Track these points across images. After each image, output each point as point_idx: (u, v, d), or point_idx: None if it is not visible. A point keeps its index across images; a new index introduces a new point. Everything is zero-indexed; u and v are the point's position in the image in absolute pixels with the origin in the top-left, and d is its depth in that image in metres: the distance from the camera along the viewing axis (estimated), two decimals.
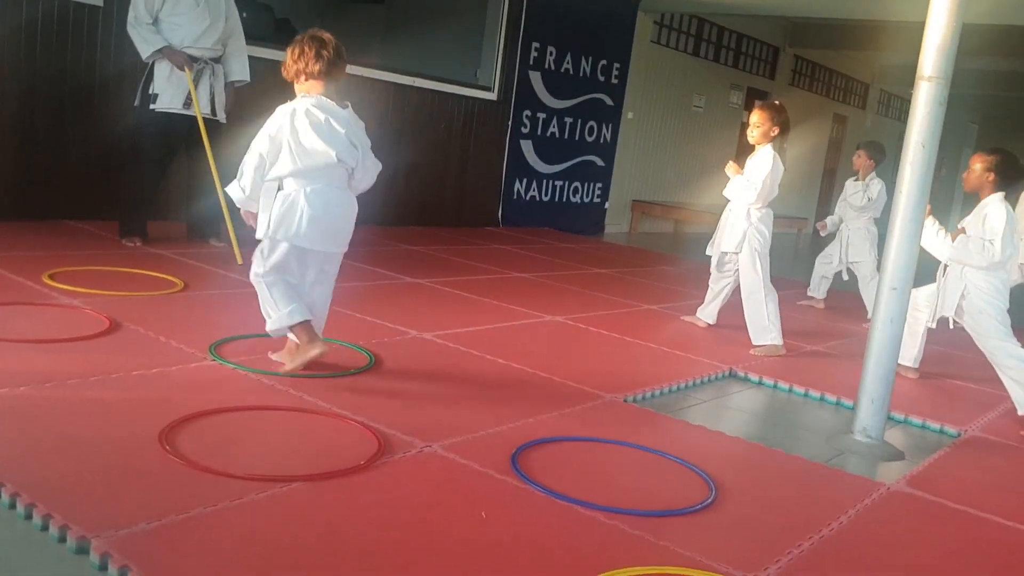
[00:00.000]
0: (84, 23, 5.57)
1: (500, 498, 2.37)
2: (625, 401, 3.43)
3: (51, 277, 4.06)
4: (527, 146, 9.03)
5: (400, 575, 1.92)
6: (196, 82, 5.14)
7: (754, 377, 4.08)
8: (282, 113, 3.10)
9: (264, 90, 6.38)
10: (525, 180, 9.13)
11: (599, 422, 3.13)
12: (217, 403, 2.77)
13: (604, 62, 9.61)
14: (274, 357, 3.31)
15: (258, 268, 3.16)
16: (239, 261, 4.99)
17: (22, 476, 2.10)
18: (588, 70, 9.47)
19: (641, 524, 2.29)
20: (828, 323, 5.71)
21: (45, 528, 1.93)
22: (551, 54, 9.00)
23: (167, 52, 5.04)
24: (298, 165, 3.05)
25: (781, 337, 4.50)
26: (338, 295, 4.49)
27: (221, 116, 5.34)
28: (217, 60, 5.31)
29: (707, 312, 4.96)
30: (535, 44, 8.79)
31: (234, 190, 3.14)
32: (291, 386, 3.05)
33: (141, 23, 5.03)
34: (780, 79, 13.03)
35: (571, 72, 9.28)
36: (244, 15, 5.58)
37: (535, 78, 8.91)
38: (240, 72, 5.43)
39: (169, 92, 5.11)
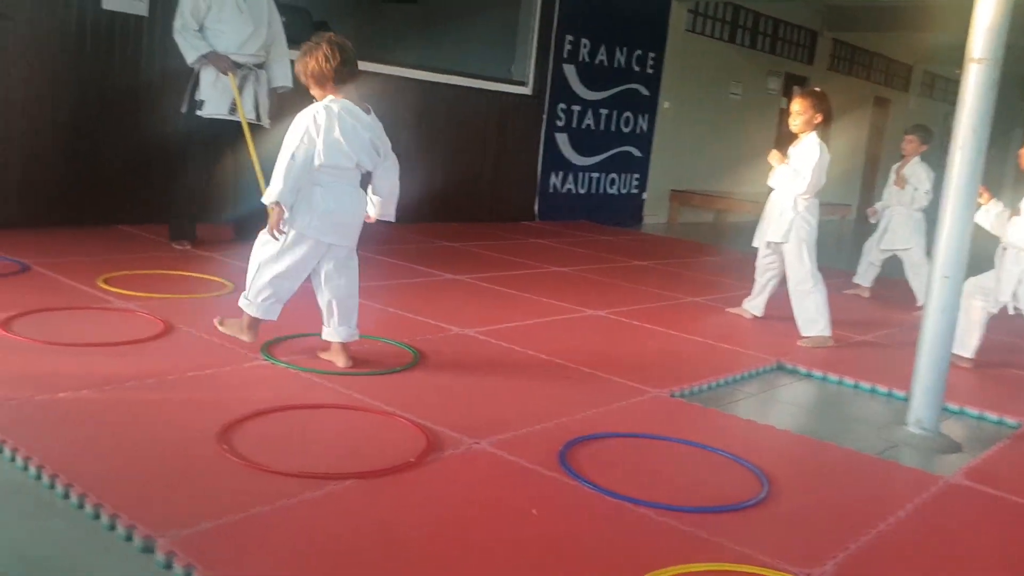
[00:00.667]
0: (130, 32, 5.67)
1: (549, 495, 2.39)
2: (672, 396, 3.43)
3: (105, 281, 4.16)
4: (562, 139, 9.03)
5: (454, 571, 1.95)
6: (240, 88, 5.22)
7: (802, 369, 4.05)
8: (313, 113, 3.15)
9: (304, 94, 6.47)
10: (561, 173, 9.12)
11: (646, 418, 3.14)
12: (270, 402, 2.82)
13: (639, 52, 9.57)
14: (323, 356, 3.36)
15: (264, 247, 3.28)
16: None
17: (88, 476, 2.17)
18: (623, 61, 9.43)
19: (693, 520, 2.30)
20: (876, 312, 5.65)
21: (112, 527, 1.99)
22: (585, 46, 8.98)
23: (211, 57, 5.12)
24: (322, 162, 3.15)
25: (830, 328, 4.46)
26: (380, 292, 4.57)
27: (265, 121, 5.42)
28: (260, 66, 5.39)
29: (754, 304, 4.94)
30: (569, 37, 8.77)
31: (274, 194, 3.15)
32: (340, 384, 3.10)
33: (188, 29, 5.12)
34: (819, 64, 12.88)
35: (605, 64, 9.26)
36: (283, 19, 5.64)
37: (569, 71, 8.89)
38: (283, 78, 5.50)
39: (215, 98, 5.19)
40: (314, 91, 3.24)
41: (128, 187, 5.84)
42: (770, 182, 4.62)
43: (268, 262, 3.26)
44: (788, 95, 12.35)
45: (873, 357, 4.45)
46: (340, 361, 3.31)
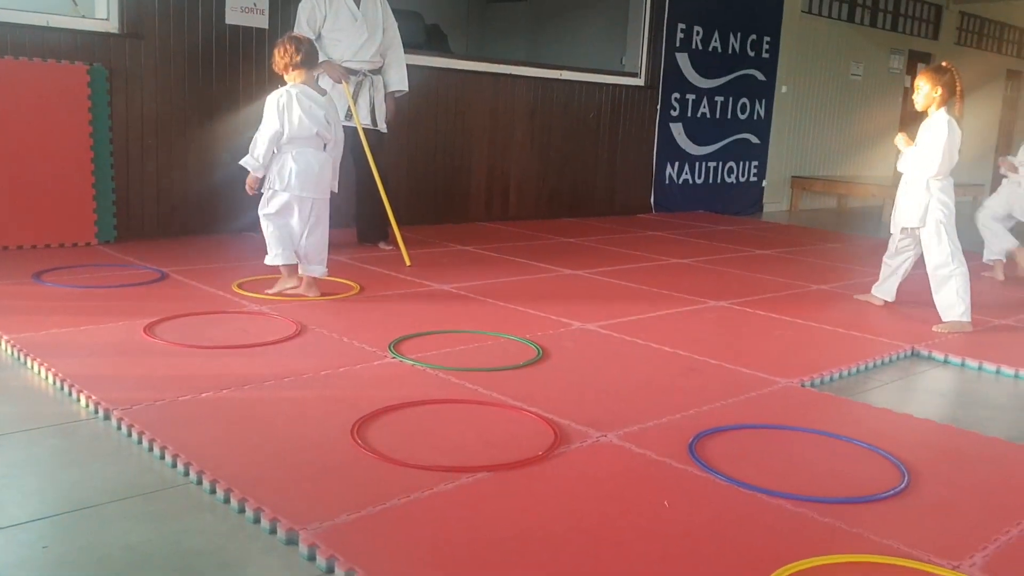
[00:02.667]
0: (252, 44, 5.90)
1: (681, 487, 2.36)
2: (802, 386, 3.33)
3: (239, 286, 4.35)
4: (677, 129, 8.90)
5: (588, 564, 1.95)
6: (355, 94, 5.35)
7: (939, 356, 3.88)
8: (279, 96, 4.04)
9: (421, 96, 6.61)
10: (677, 164, 9.00)
11: (776, 408, 3.06)
12: (400, 398, 2.89)
13: (753, 37, 9.34)
14: (296, 291, 4.21)
15: (263, 210, 4.16)
16: (407, 263, 5.17)
17: (232, 472, 2.26)
18: (737, 47, 9.23)
19: (831, 511, 2.23)
20: (1013, 293, 5.35)
21: (257, 521, 2.07)
22: (698, 34, 8.83)
23: (326, 66, 5.25)
24: (289, 133, 4.02)
25: (969, 313, 4.26)
26: (501, 289, 4.62)
27: (382, 126, 5.55)
28: (376, 72, 5.51)
29: (884, 289, 4.75)
30: (681, 25, 8.64)
31: (248, 162, 4.07)
32: (467, 380, 3.14)
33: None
34: (944, 39, 12.28)
35: (719, 50, 9.07)
36: (397, 24, 5.76)
37: (682, 59, 8.76)
38: (398, 82, 5.62)
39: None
40: (285, 77, 4.11)
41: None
42: (899, 166, 4.43)
43: (270, 218, 4.13)
44: (912, 73, 11.84)
45: (1014, 341, 4.21)
46: (311, 293, 4.19)
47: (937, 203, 4.29)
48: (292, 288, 4.21)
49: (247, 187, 4.15)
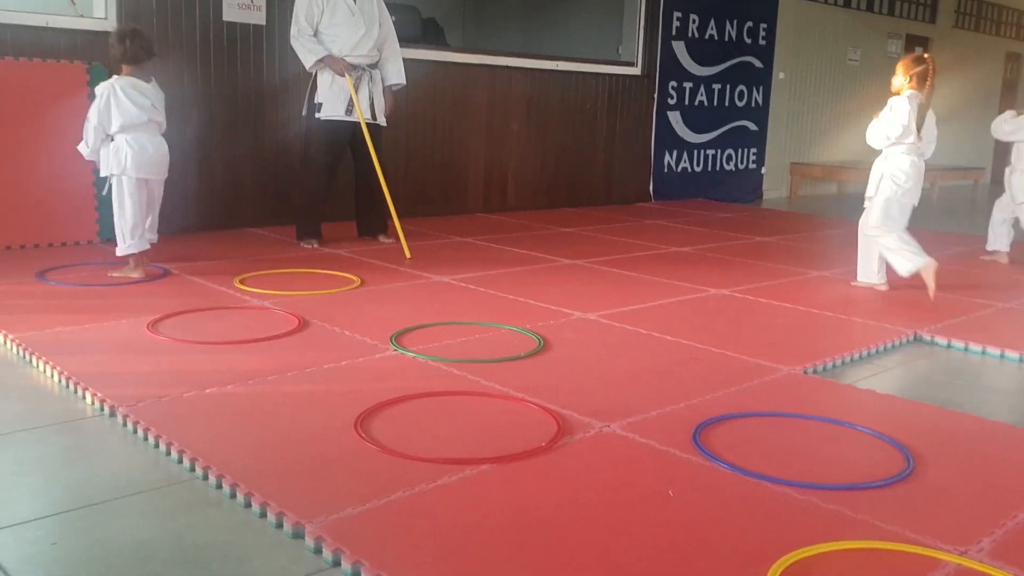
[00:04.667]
0: (250, 40, 5.89)
1: (685, 476, 2.37)
2: (805, 372, 3.34)
3: (241, 282, 4.35)
4: (675, 117, 8.89)
5: (595, 554, 1.96)
6: (356, 88, 5.33)
7: (942, 341, 3.88)
8: (106, 89, 4.29)
9: (418, 89, 6.60)
10: (675, 152, 8.99)
11: (780, 396, 3.07)
12: (403, 391, 2.90)
13: (750, 24, 9.32)
14: (114, 274, 4.40)
15: (119, 199, 4.39)
16: (407, 255, 5.18)
17: (238, 467, 2.28)
18: (733, 34, 9.21)
19: (835, 498, 2.24)
20: (1018, 276, 5.35)
21: (263, 515, 2.08)
22: (694, 22, 8.81)
23: (328, 60, 5.28)
24: (120, 122, 4.29)
25: (884, 275, 4.74)
26: (500, 280, 4.63)
27: (381, 120, 5.54)
28: (374, 66, 5.51)
29: (882, 273, 4.78)
30: (677, 13, 8.62)
31: (82, 148, 4.38)
32: (468, 371, 3.15)
33: (304, 35, 5.28)
34: (942, 22, 12.25)
35: (716, 38, 9.06)
36: (393, 18, 5.74)
37: (679, 48, 8.74)
38: (396, 76, 5.61)
39: (332, 100, 5.34)
40: (116, 69, 4.40)
41: (255, 190, 6.08)
42: (866, 137, 4.74)
43: (121, 209, 4.36)
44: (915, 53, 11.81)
45: (1017, 325, 4.22)
46: (117, 273, 4.43)
47: (889, 180, 4.58)
48: (136, 276, 4.43)
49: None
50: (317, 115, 5.36)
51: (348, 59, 5.34)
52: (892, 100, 4.59)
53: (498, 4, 10.26)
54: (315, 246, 5.49)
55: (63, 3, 5.99)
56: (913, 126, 4.50)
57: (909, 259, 4.51)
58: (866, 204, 4.80)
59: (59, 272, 4.47)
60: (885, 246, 4.61)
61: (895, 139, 4.53)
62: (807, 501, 2.22)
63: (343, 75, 5.28)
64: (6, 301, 3.88)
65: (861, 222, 4.81)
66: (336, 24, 5.33)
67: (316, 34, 5.32)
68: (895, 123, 4.51)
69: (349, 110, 5.35)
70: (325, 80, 5.35)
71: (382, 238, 5.73)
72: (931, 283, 4.46)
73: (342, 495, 2.15)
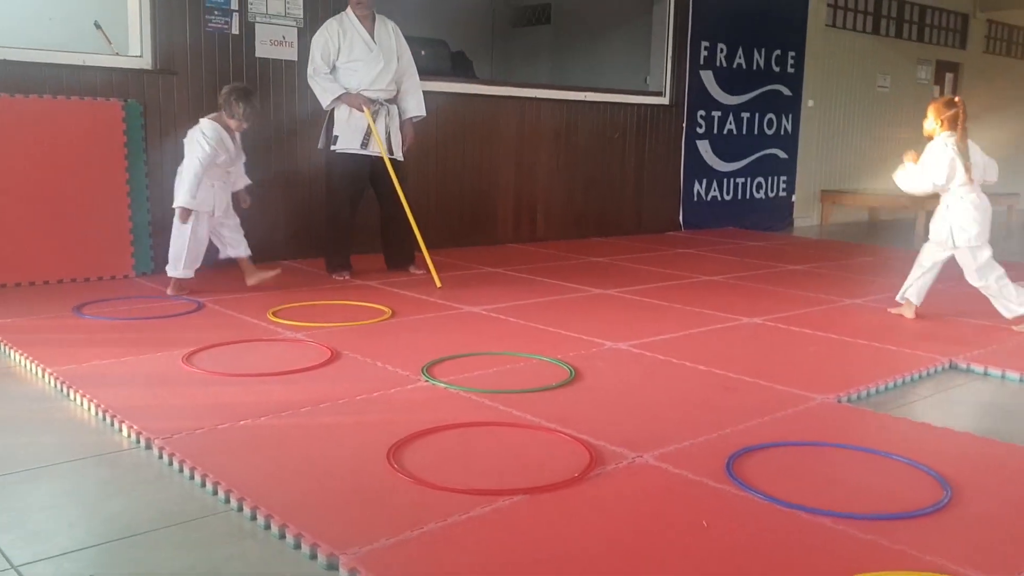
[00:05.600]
0: (282, 75, 6.00)
1: (719, 507, 2.35)
2: (839, 401, 3.31)
3: (274, 314, 4.40)
4: (704, 146, 8.90)
5: None
6: (374, 122, 5.36)
7: (978, 368, 3.83)
8: (202, 133, 4.75)
9: (448, 121, 6.68)
10: (705, 181, 8.98)
11: (814, 425, 3.04)
12: (435, 421, 2.90)
13: (778, 52, 9.33)
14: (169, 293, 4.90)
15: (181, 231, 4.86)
16: (438, 285, 5.21)
17: (273, 498, 2.29)
18: (761, 62, 9.22)
19: (872, 528, 2.21)
20: None
21: (298, 547, 2.09)
22: (721, 51, 8.84)
23: (346, 98, 5.32)
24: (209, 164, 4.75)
25: None
26: (531, 310, 4.65)
27: (398, 154, 5.53)
28: (392, 100, 5.51)
29: (913, 291, 4.74)
30: (704, 43, 8.66)
31: (185, 201, 4.74)
32: (500, 402, 3.15)
33: (319, 73, 5.34)
34: (972, 48, 12.18)
35: (744, 67, 9.08)
36: (423, 52, 5.83)
37: (707, 77, 8.77)
38: (416, 108, 5.59)
39: (348, 134, 5.37)
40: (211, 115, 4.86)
41: (287, 222, 6.15)
42: (894, 176, 4.61)
43: (179, 238, 4.83)
44: (941, 83, 11.75)
45: None
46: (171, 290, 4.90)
47: (960, 231, 4.43)
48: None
49: (180, 222, 4.85)
50: (333, 147, 5.40)
51: (366, 93, 5.37)
52: (931, 144, 4.50)
53: (525, 37, 10.37)
54: (347, 278, 5.52)
55: (99, 42, 6.15)
56: (959, 167, 4.40)
57: (1017, 304, 4.45)
58: (938, 243, 4.60)
59: (95, 306, 4.55)
60: (990, 293, 4.50)
61: (943, 185, 4.42)
62: (843, 531, 2.20)
63: (362, 110, 5.30)
64: (44, 335, 3.95)
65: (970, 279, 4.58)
66: (354, 60, 5.35)
67: (333, 70, 5.36)
68: (939, 167, 4.39)
69: (364, 143, 5.37)
70: (342, 114, 5.38)
71: (412, 269, 5.75)
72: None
73: (376, 526, 2.16)
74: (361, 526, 2.16)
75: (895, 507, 2.35)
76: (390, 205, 5.54)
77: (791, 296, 5.36)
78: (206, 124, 4.78)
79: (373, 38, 5.41)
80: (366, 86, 5.37)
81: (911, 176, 4.53)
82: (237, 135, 4.90)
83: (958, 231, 4.44)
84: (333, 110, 5.41)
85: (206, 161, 4.70)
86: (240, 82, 5.11)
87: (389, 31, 5.51)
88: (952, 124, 4.48)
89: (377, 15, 5.50)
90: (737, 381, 3.52)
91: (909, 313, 4.71)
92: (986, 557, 2.09)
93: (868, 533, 2.18)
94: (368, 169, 5.49)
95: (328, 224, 5.63)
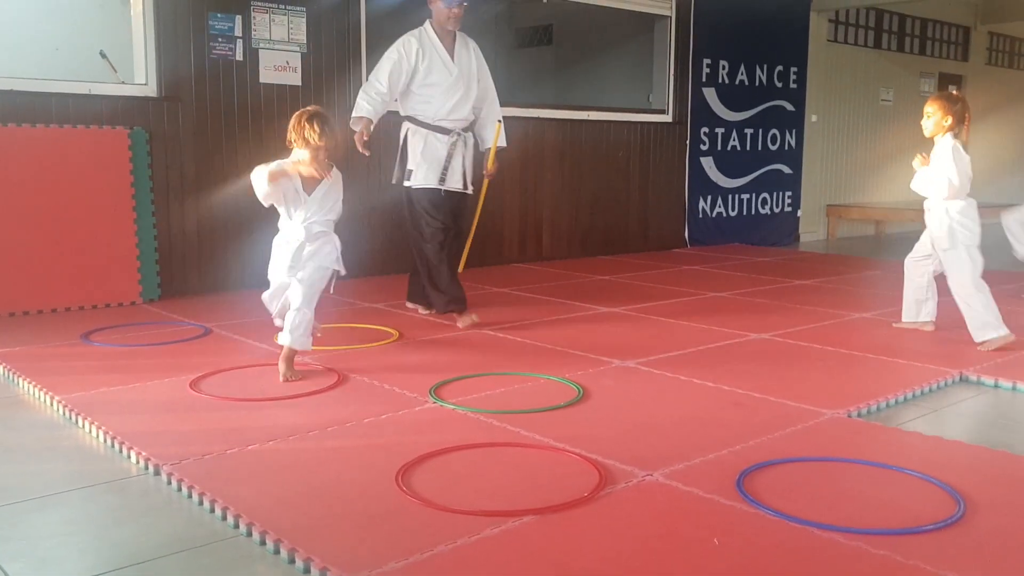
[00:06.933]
0: (286, 101, 6.03)
1: (730, 524, 2.34)
2: (849, 416, 3.29)
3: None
4: (708, 163, 8.91)
5: None
6: (449, 156, 4.77)
7: (988, 381, 3.81)
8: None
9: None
10: (710, 197, 8.99)
11: (824, 440, 3.02)
12: (443, 443, 2.90)
13: (780, 68, 9.37)
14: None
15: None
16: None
17: (282, 523, 2.28)
18: (764, 79, 9.25)
19: (885, 543, 2.19)
20: None
21: (307, 571, 2.08)
22: (724, 68, 8.87)
23: (364, 123, 4.63)
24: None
25: (1003, 324, 4.30)
26: (539, 330, 4.63)
27: (470, 188, 4.94)
28: (467, 129, 4.90)
29: (925, 312, 4.70)
30: (706, 60, 8.70)
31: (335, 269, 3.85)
32: (508, 422, 3.14)
33: (372, 89, 4.68)
34: (975, 60, 12.20)
35: (746, 83, 9.10)
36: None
37: (709, 94, 8.80)
38: (493, 138, 4.96)
39: (424, 168, 4.76)
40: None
41: None
42: (912, 186, 4.53)
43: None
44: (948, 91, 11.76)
45: None
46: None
47: (959, 227, 4.36)
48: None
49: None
50: (407, 183, 4.80)
51: (443, 124, 4.77)
52: (943, 147, 4.37)
53: (528, 58, 10.41)
54: (475, 318, 4.80)
55: (105, 71, 6.21)
56: (967, 178, 4.37)
57: (991, 328, 4.32)
58: (928, 251, 4.59)
59: (103, 333, 4.56)
60: (971, 306, 4.36)
61: (966, 189, 4.35)
62: (856, 547, 2.18)
63: (363, 151, 4.61)
64: (52, 363, 3.96)
65: (908, 262, 4.70)
66: (431, 84, 4.73)
67: (407, 95, 4.77)
68: (962, 172, 4.32)
69: (443, 178, 4.77)
70: (416, 144, 4.77)
71: (421, 310, 5.15)
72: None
73: (385, 549, 2.15)
74: (370, 549, 2.15)
75: (908, 522, 2.33)
76: (450, 243, 4.92)
77: (799, 311, 5.35)
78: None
79: (453, 59, 4.79)
80: (443, 116, 4.76)
81: (930, 181, 4.39)
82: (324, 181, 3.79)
83: (960, 229, 4.36)
84: (407, 140, 4.81)
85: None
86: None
87: (470, 52, 4.90)
88: (961, 121, 4.39)
89: (458, 33, 4.87)
90: (746, 397, 3.50)
91: (929, 327, 4.70)
92: (1001, 571, 2.07)
93: (881, 548, 2.16)
94: (450, 202, 4.87)
95: (432, 260, 4.85)
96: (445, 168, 4.75)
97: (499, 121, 4.98)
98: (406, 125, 4.84)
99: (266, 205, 3.78)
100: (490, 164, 4.97)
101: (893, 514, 2.40)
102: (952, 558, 2.13)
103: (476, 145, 5.04)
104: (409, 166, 4.80)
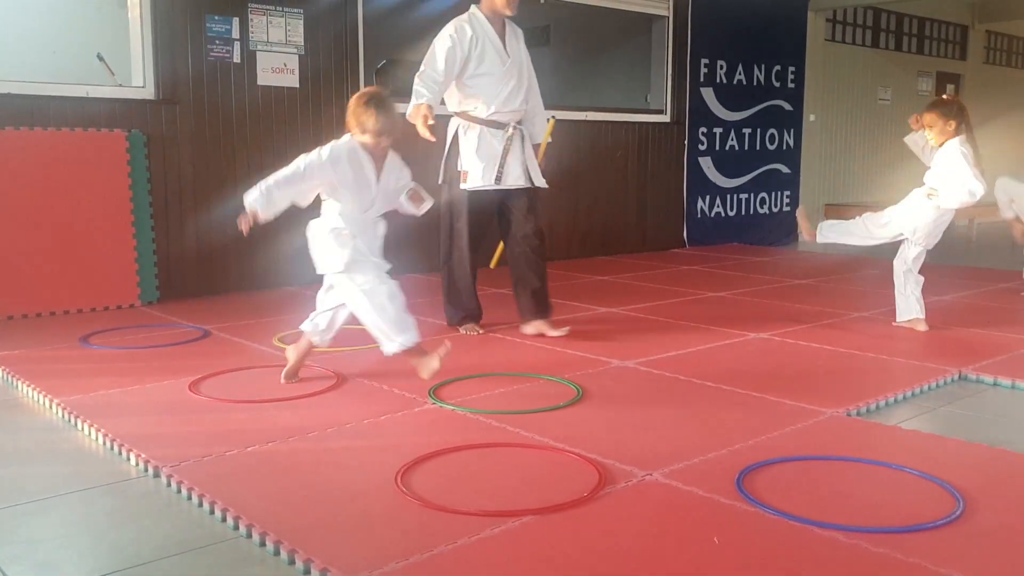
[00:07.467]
0: (284, 102, 6.03)
1: (730, 523, 2.34)
2: (848, 415, 3.29)
3: (280, 340, 4.40)
4: (706, 163, 8.92)
5: None
6: (506, 150, 4.43)
7: (988, 379, 3.82)
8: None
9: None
10: (708, 197, 9.00)
11: (824, 439, 3.03)
12: (443, 444, 2.90)
13: (778, 68, 9.37)
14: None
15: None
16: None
17: (281, 524, 2.28)
18: (762, 78, 9.26)
19: (885, 541, 2.19)
20: None
21: (307, 572, 2.08)
22: (721, 68, 8.88)
23: (425, 107, 4.16)
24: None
25: (924, 312, 4.68)
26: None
27: (540, 180, 4.59)
28: (520, 122, 4.53)
29: (916, 310, 4.73)
30: (704, 60, 8.70)
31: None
32: (507, 423, 3.14)
33: (427, 77, 4.29)
34: (973, 59, 12.22)
35: (744, 83, 9.11)
36: None
37: (707, 94, 8.80)
38: (542, 134, 4.70)
39: (479, 167, 4.40)
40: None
41: (291, 249, 6.15)
42: (944, 204, 4.49)
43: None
44: (942, 94, 11.77)
45: None
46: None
47: (936, 228, 4.58)
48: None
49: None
50: (462, 185, 4.45)
51: (496, 117, 4.41)
52: (952, 151, 4.40)
53: None
54: (479, 332, 4.66)
55: (102, 74, 6.21)
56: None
57: (916, 309, 4.67)
58: (905, 239, 4.75)
59: (102, 336, 4.56)
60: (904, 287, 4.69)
61: (983, 193, 4.41)
62: (856, 545, 2.18)
63: (429, 135, 4.15)
64: (51, 366, 3.95)
65: (897, 261, 4.75)
66: (482, 74, 4.37)
67: (459, 87, 4.41)
68: (977, 177, 4.35)
69: (499, 176, 4.42)
70: (470, 142, 4.42)
71: (547, 329, 4.59)
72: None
73: (385, 550, 2.15)
74: (371, 550, 2.15)
75: (908, 520, 2.33)
76: (517, 243, 4.62)
77: (798, 310, 5.35)
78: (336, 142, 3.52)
79: (505, 47, 4.45)
80: (497, 107, 4.39)
81: (952, 195, 4.42)
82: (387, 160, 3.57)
83: (923, 232, 4.58)
84: (457, 136, 4.48)
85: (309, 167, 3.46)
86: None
87: (519, 40, 4.57)
88: (963, 120, 4.43)
89: (507, 20, 4.52)
90: (745, 397, 3.50)
91: (922, 326, 4.70)
92: (1001, 569, 2.07)
93: (881, 547, 2.17)
94: (497, 205, 4.58)
95: (455, 270, 4.62)
96: (501, 165, 4.42)
97: (552, 118, 4.73)
98: (455, 122, 4.49)
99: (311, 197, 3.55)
100: (539, 160, 4.68)
101: (893, 512, 2.41)
102: (952, 556, 2.13)
103: None
104: (463, 166, 4.44)
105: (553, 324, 4.60)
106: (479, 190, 4.45)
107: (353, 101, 3.46)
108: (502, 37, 4.44)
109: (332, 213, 3.55)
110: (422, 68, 4.31)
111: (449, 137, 4.52)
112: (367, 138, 3.44)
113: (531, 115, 4.61)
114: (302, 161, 3.45)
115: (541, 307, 4.65)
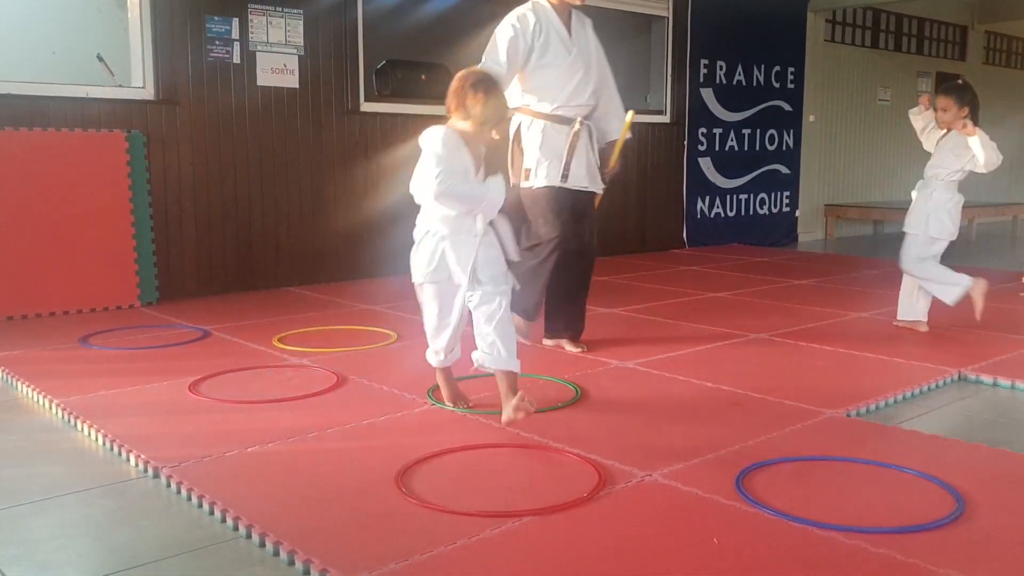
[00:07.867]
0: (284, 103, 6.03)
1: (730, 524, 2.34)
2: (848, 415, 3.29)
3: (280, 340, 4.40)
4: (706, 163, 8.92)
5: None
6: (573, 148, 4.11)
7: (987, 379, 3.82)
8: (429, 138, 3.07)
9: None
10: (707, 198, 9.00)
11: (823, 440, 3.03)
12: (442, 445, 2.89)
13: (778, 68, 9.37)
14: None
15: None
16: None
17: (281, 525, 2.28)
18: (761, 79, 9.26)
19: (884, 542, 2.19)
20: None
21: (307, 573, 2.08)
22: (721, 68, 8.88)
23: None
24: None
25: (927, 315, 4.68)
26: (536, 331, 4.61)
27: (598, 186, 4.29)
28: (588, 118, 4.21)
29: (917, 311, 4.72)
30: (704, 61, 8.70)
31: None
32: (506, 423, 3.14)
33: (491, 70, 3.67)
34: (972, 59, 12.22)
35: (744, 83, 9.11)
36: (423, 77, 5.72)
37: (707, 94, 8.81)
38: (619, 130, 4.34)
39: (545, 165, 4.09)
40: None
41: (291, 249, 6.17)
42: (984, 163, 4.42)
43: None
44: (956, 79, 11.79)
45: None
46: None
47: (937, 222, 4.53)
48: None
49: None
50: (525, 184, 4.14)
51: (561, 111, 4.11)
52: (983, 136, 4.37)
53: None
54: (565, 347, 4.33)
55: (102, 74, 6.21)
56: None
57: (920, 311, 4.68)
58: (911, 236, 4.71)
59: (101, 336, 4.56)
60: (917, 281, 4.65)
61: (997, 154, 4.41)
62: (855, 546, 2.18)
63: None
64: (50, 366, 3.95)
65: (904, 259, 4.73)
66: (545, 65, 4.07)
67: (519, 79, 4.12)
68: (992, 144, 4.37)
69: (565, 175, 4.10)
70: (533, 138, 4.12)
71: (569, 347, 4.33)
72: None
73: (385, 551, 2.15)
74: (370, 551, 2.15)
75: (907, 520, 2.33)
76: (573, 261, 4.29)
77: (797, 311, 5.35)
78: (432, 129, 3.06)
79: (571, 37, 4.16)
80: (562, 101, 4.10)
81: (990, 152, 4.37)
82: (482, 150, 3.20)
83: (935, 221, 4.53)
84: (519, 135, 4.17)
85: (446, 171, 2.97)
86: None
87: (587, 30, 4.27)
88: (976, 105, 4.43)
89: (574, 9, 4.23)
90: (745, 397, 3.50)
91: (923, 327, 4.70)
92: (1001, 569, 2.07)
93: (880, 547, 2.17)
94: (572, 202, 4.19)
95: (531, 276, 4.17)
96: (567, 164, 4.09)
97: (632, 111, 4.36)
98: (518, 118, 4.17)
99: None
100: (614, 160, 4.35)
101: (892, 513, 2.40)
102: (951, 556, 2.13)
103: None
104: (526, 164, 4.13)
105: (574, 339, 4.37)
106: (551, 187, 4.11)
107: (457, 82, 3.06)
108: (568, 27, 4.15)
109: (430, 213, 3.14)
110: (483, 60, 4.01)
111: (511, 134, 4.21)
112: (468, 125, 3.07)
113: (604, 111, 4.29)
114: (439, 169, 2.98)
115: (579, 326, 4.39)
